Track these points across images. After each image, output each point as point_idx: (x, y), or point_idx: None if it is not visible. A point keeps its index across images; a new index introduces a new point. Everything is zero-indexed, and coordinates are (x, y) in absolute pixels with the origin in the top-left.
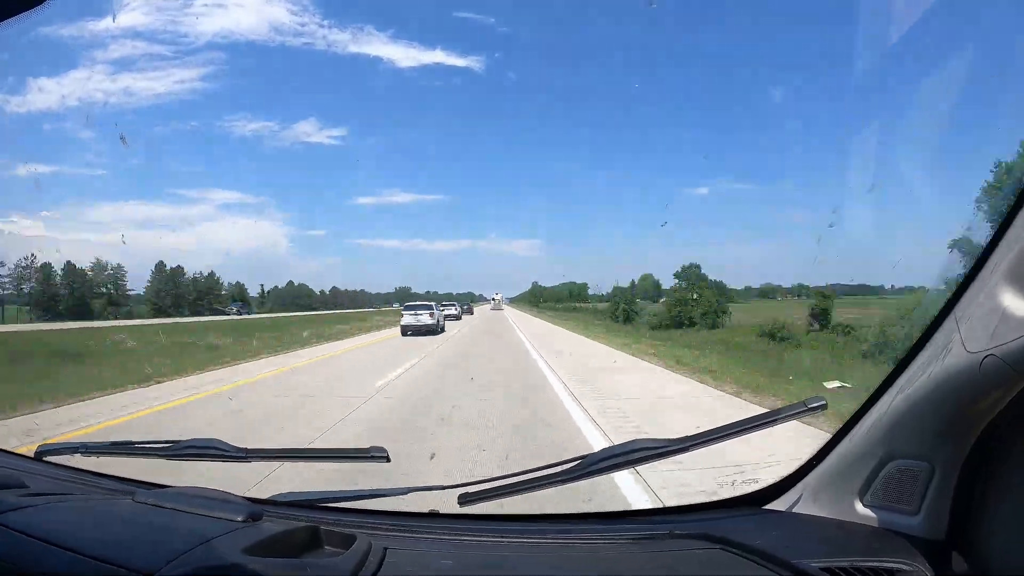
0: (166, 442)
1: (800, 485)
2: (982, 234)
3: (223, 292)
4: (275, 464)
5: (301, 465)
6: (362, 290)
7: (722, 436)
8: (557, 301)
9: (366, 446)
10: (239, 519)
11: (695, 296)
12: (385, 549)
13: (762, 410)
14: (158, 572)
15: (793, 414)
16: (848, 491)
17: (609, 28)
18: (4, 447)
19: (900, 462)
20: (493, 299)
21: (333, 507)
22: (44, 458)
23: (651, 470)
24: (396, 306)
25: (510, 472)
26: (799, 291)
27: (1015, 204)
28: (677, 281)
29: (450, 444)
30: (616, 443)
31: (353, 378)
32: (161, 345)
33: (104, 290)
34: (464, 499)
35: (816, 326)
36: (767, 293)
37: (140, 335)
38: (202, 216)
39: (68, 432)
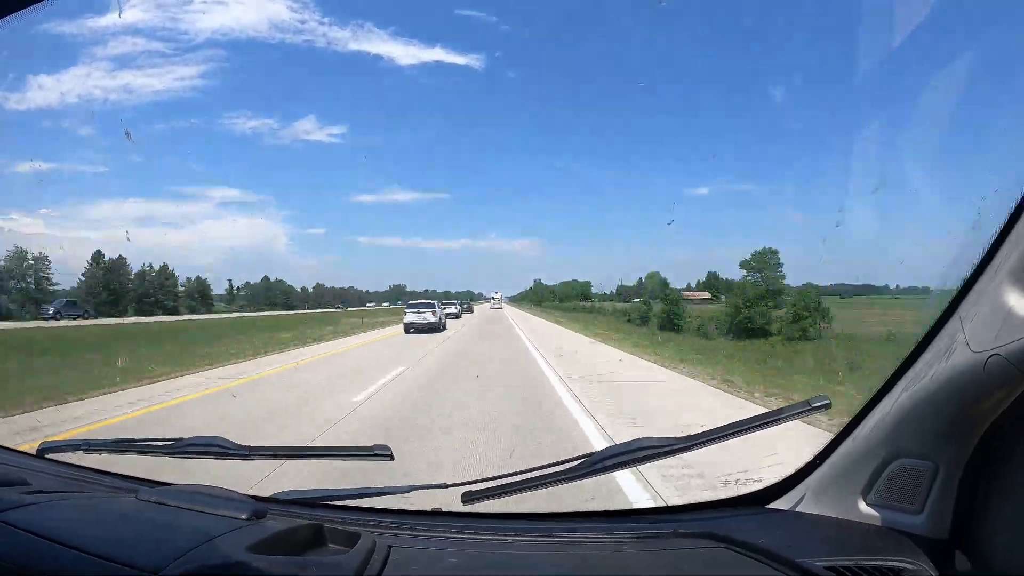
0: (169, 440)
1: (803, 484)
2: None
3: (179, 289)
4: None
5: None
6: (351, 287)
7: (725, 435)
8: (561, 300)
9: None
10: (243, 517)
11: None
12: (389, 547)
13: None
14: (162, 570)
15: (797, 413)
16: (851, 490)
17: (610, 27)
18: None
19: (904, 461)
20: (492, 298)
21: (337, 505)
22: (46, 455)
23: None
24: (387, 305)
25: (514, 470)
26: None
27: (1020, 203)
28: (746, 273)
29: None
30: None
31: None
32: None
33: (23, 285)
34: (468, 497)
35: None
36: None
37: None
38: (202, 214)
39: None
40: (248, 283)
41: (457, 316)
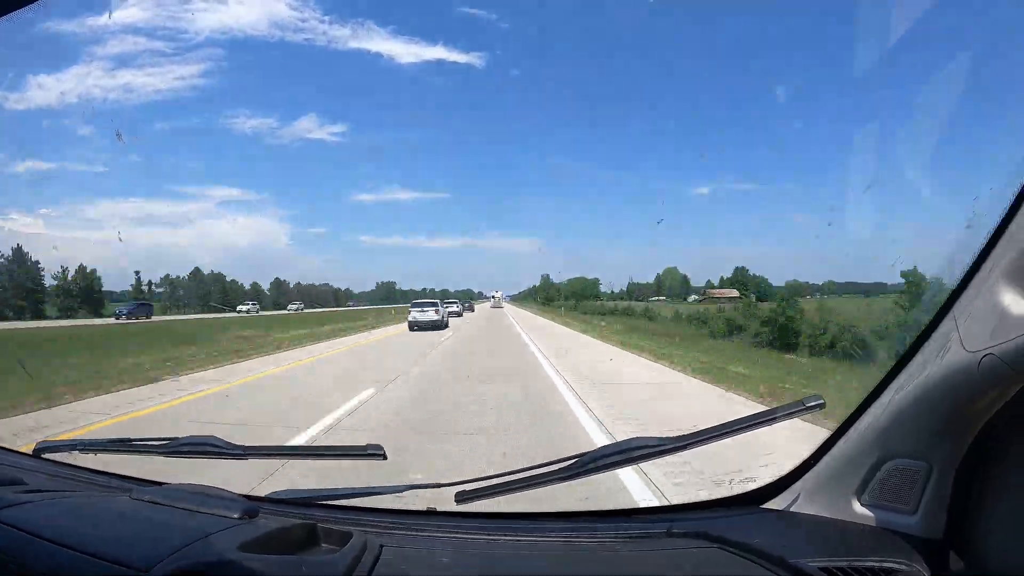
0: (163, 439)
1: (798, 484)
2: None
3: (97, 291)
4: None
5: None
6: (327, 283)
7: (720, 435)
8: (566, 297)
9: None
10: (235, 516)
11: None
12: (381, 547)
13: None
14: (154, 568)
15: (791, 413)
16: (845, 490)
17: (611, 25)
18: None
19: (898, 461)
20: (493, 296)
21: (330, 504)
22: (42, 455)
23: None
24: (369, 306)
25: (507, 470)
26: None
27: (1015, 202)
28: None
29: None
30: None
31: None
32: None
33: None
34: (461, 497)
35: None
36: (797, 291)
37: None
38: (202, 213)
39: None
40: (175, 277)
41: (459, 315)
